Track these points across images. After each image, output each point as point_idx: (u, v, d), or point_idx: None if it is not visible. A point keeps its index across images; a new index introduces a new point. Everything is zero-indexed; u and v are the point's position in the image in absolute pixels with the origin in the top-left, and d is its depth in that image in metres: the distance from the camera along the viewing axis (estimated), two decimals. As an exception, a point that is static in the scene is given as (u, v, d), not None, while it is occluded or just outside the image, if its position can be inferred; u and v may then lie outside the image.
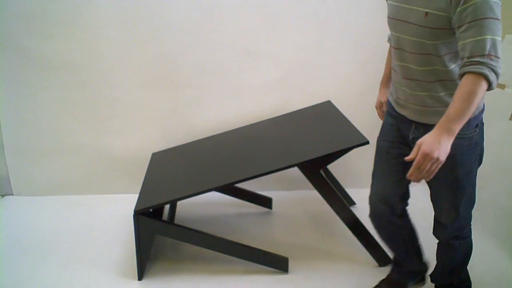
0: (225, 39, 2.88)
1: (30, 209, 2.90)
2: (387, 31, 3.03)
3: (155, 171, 2.54)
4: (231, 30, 2.86)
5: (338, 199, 2.20)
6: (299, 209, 2.91)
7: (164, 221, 2.22)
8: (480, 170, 2.58)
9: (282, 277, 2.21)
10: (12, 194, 3.09)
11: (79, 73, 2.88)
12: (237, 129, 2.83)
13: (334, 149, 2.14)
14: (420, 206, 2.92)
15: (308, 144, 2.30)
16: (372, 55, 2.96)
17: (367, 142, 2.10)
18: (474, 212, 2.58)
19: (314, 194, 2.75)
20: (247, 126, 2.82)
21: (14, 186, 3.07)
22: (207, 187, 2.17)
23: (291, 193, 3.15)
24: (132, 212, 2.13)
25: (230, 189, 2.82)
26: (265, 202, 2.94)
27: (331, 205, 2.22)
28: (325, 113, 2.65)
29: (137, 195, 2.29)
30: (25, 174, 3.05)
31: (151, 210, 2.26)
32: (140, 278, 2.21)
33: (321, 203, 2.79)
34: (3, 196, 3.08)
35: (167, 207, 2.80)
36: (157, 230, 2.18)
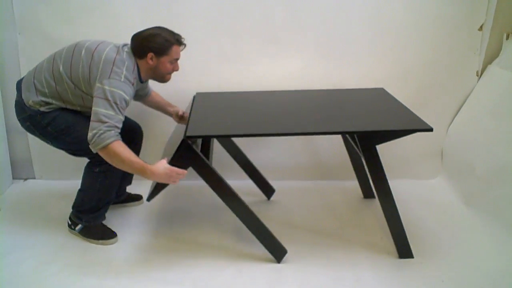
0: (248, 27, 2.86)
1: (52, 193, 2.94)
2: (409, 21, 2.96)
3: (201, 108, 2.42)
4: (255, 18, 2.84)
5: (383, 179, 2.13)
6: (318, 199, 2.88)
7: (204, 157, 2.10)
8: (503, 165, 2.52)
9: (301, 264, 2.19)
10: (35, 178, 3.14)
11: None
12: (285, 91, 2.73)
13: (400, 127, 2.06)
14: (441, 200, 2.88)
15: (368, 118, 2.19)
16: (395, 44, 2.91)
17: (431, 129, 2.04)
18: (495, 207, 2.51)
19: (331, 183, 2.72)
20: (297, 90, 2.72)
21: (37, 169, 3.12)
22: (268, 131, 2.05)
23: (308, 183, 3.11)
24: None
25: (247, 164, 2.72)
26: (267, 190, 2.81)
27: (374, 182, 2.13)
28: (379, 98, 2.56)
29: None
30: (47, 158, 3.08)
31: (201, 139, 2.19)
32: (149, 199, 2.13)
33: (338, 192, 2.75)
34: (25, 179, 3.13)
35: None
36: (194, 162, 2.06)
